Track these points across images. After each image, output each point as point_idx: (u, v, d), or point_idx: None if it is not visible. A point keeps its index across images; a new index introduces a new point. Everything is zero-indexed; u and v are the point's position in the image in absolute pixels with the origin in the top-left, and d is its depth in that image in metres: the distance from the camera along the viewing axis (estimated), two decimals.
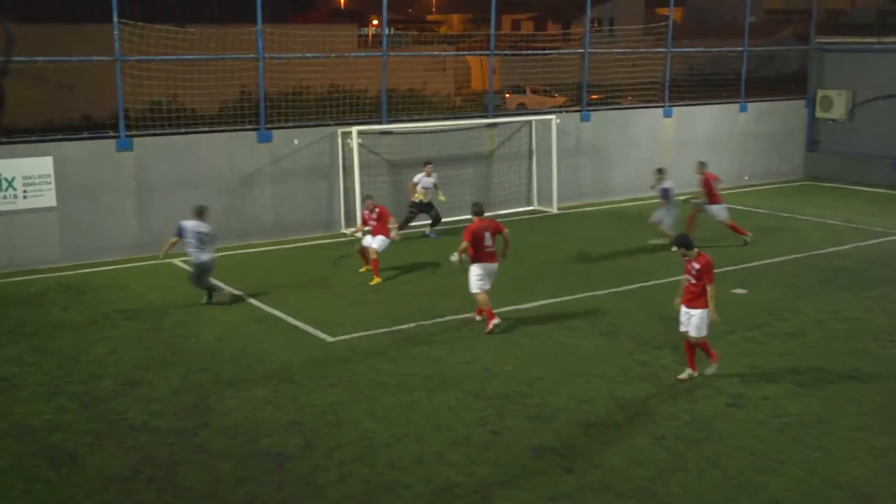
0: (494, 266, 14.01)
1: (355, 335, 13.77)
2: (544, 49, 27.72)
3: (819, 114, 29.76)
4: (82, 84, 24.69)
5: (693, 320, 11.61)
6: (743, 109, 28.73)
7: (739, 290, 16.20)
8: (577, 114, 25.54)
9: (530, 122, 24.65)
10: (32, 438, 10.16)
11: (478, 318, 14.31)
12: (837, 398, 11.34)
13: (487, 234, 13.85)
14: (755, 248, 19.69)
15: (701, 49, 30.14)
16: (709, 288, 11.51)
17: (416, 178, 20.66)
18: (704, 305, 11.57)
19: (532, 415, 10.75)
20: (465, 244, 13.65)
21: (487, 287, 13.95)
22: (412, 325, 14.21)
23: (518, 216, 23.23)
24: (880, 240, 20.66)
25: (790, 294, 16.06)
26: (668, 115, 27.04)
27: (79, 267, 18.13)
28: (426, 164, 20.81)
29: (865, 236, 21.03)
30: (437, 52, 28.42)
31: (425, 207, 20.81)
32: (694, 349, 11.82)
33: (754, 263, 18.25)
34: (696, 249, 11.60)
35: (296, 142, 21.01)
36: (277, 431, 10.30)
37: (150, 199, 19.23)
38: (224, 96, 22.06)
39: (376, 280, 16.88)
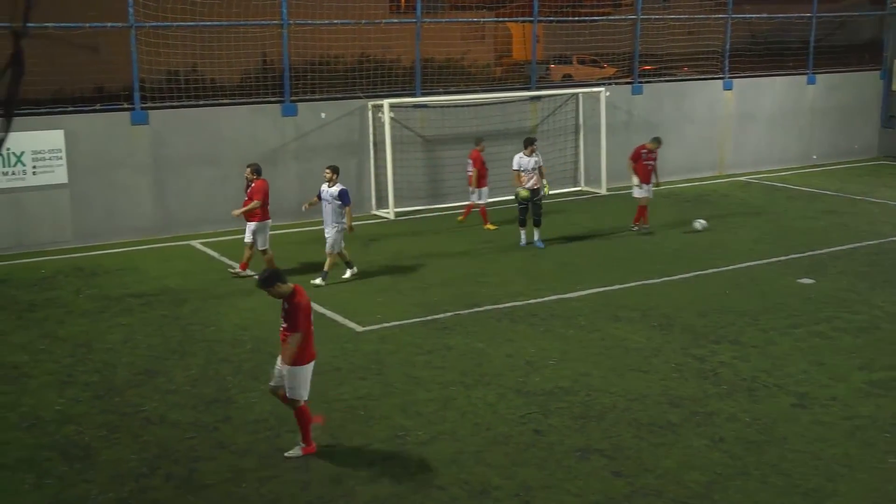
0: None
1: (386, 325, 13.84)
2: (593, 15, 27.55)
3: None
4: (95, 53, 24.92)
5: (286, 379, 9.67)
6: (811, 81, 28.41)
7: (806, 280, 16.07)
8: (629, 86, 25.39)
9: (577, 94, 24.54)
10: (44, 430, 10.32)
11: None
12: None
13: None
14: (824, 234, 19.51)
15: (765, 16, 29.76)
16: (295, 337, 9.50)
17: (516, 161, 18.37)
18: (300, 360, 9.62)
19: (578, 413, 10.74)
20: (257, 202, 15.82)
21: None
22: (448, 314, 14.24)
23: (563, 197, 23.17)
24: None
25: (862, 285, 15.89)
26: (728, 87, 26.81)
27: (91, 248, 18.35)
28: (528, 141, 18.56)
29: None
30: (475, 19, 28.33)
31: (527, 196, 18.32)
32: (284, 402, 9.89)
33: (823, 250, 18.08)
34: (290, 285, 9.61)
35: (323, 115, 21.09)
36: None
37: (166, 177, 19.41)
38: (246, 66, 22.18)
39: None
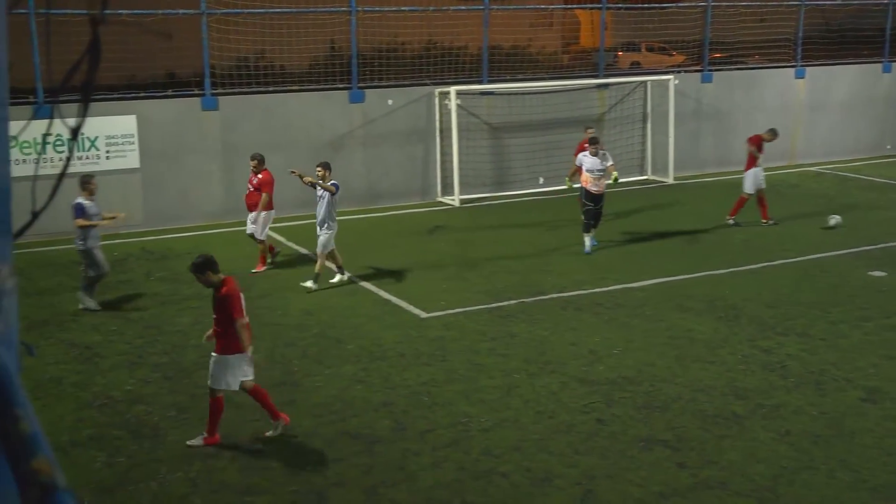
0: None
1: (451, 311, 13.87)
2: (662, 2, 27.22)
3: None
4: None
5: (210, 367, 9.69)
6: (886, 70, 27.77)
7: (878, 272, 15.76)
8: (698, 74, 25.07)
9: (645, 82, 24.30)
10: (115, 410, 10.56)
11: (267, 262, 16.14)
12: None
13: None
14: None
15: (839, 2, 29.17)
16: (237, 324, 9.43)
17: (579, 158, 17.22)
18: (228, 350, 9.54)
19: (642, 403, 10.68)
20: (267, 195, 15.69)
21: None
22: (512, 302, 14.23)
23: (630, 186, 22.97)
24: None
25: None
26: (800, 75, 26.33)
27: (162, 232, 18.67)
28: (591, 140, 17.29)
29: None
30: (543, 6, 28.17)
31: (595, 198, 17.06)
32: (264, 399, 9.91)
33: None
34: (221, 275, 9.61)
35: (390, 102, 21.16)
36: (367, 412, 10.47)
37: (235, 162, 19.63)
38: (314, 53, 22.35)
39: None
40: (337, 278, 15.33)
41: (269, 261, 16.26)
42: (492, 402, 10.68)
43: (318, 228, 14.91)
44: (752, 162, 19.07)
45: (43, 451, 1.44)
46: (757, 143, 19.12)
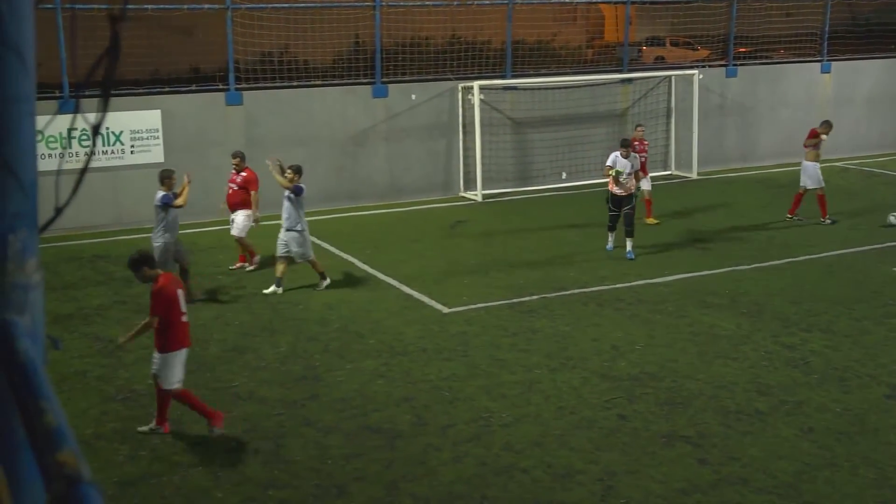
0: None
1: (472, 307, 13.89)
2: None
3: None
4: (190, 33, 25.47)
5: (155, 362, 9.78)
6: None
7: None
8: (723, 69, 24.95)
9: (669, 77, 24.21)
10: (138, 403, 10.64)
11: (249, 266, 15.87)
12: None
13: None
14: None
15: None
16: (151, 320, 9.57)
17: (611, 159, 16.34)
18: (165, 348, 9.60)
19: (664, 399, 10.67)
20: (256, 194, 15.53)
21: None
22: (534, 297, 14.24)
23: (654, 181, 22.86)
24: None
25: None
26: (826, 70, 26.15)
27: (186, 226, 18.67)
28: (624, 142, 16.58)
29: None
30: (567, 0, 28.12)
31: (620, 202, 16.47)
32: (167, 400, 9.90)
33: None
34: (157, 271, 9.75)
35: (413, 97, 21.18)
36: (388, 406, 10.51)
37: (258, 157, 19.61)
38: (338, 47, 22.39)
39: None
40: (271, 289, 14.65)
41: (246, 264, 15.99)
42: (513, 398, 10.70)
43: (286, 232, 14.44)
44: (811, 139, 18.85)
45: (68, 444, 1.47)
46: (814, 136, 18.95)
